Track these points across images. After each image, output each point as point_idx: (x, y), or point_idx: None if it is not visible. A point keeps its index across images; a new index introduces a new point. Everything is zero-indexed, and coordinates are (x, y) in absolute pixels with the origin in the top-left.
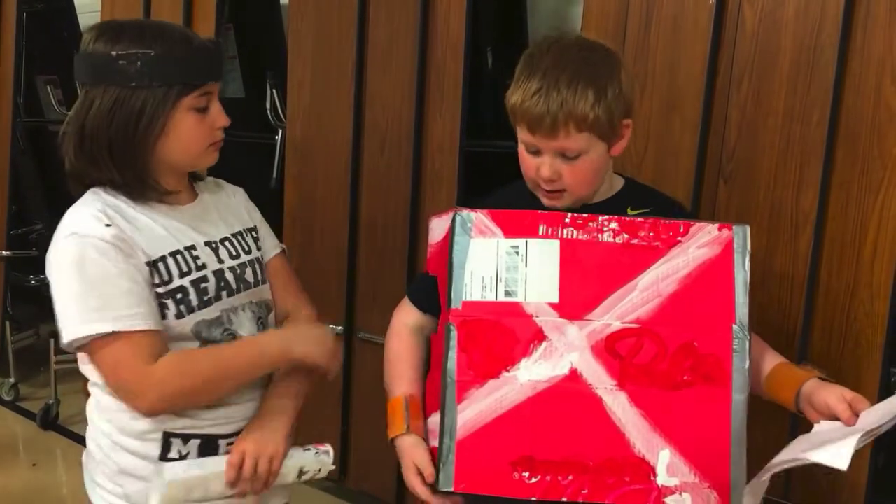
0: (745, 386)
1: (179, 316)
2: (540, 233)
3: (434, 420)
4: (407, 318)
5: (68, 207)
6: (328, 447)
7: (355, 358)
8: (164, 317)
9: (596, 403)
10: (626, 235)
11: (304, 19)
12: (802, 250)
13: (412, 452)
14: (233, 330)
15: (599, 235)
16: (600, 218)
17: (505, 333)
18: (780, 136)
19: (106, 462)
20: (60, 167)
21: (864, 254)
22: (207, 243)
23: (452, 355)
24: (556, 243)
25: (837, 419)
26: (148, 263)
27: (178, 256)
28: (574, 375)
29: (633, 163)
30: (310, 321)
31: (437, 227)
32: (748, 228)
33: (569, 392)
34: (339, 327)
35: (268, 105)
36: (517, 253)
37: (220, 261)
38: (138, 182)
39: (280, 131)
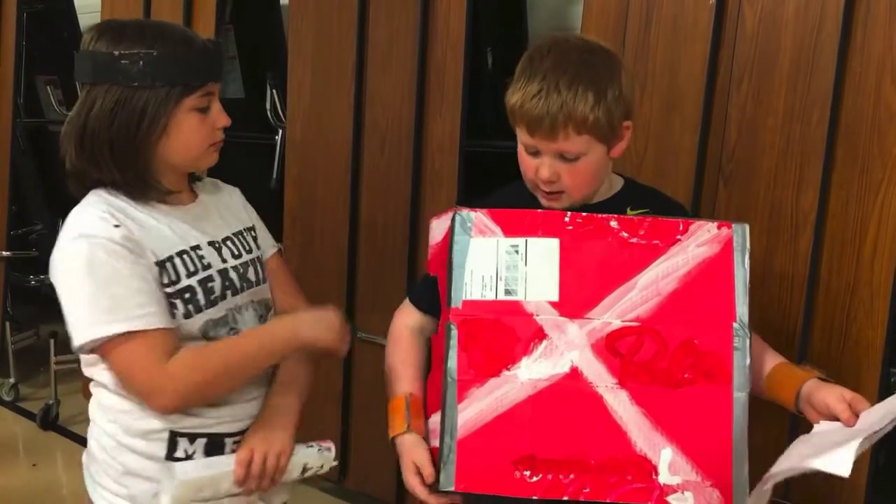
0: (745, 383)
1: (188, 315)
2: (539, 232)
3: (434, 420)
4: (407, 320)
5: (68, 208)
6: (330, 444)
7: (355, 358)
8: (172, 316)
9: (597, 402)
10: (625, 234)
11: (304, 19)
12: (802, 250)
13: (412, 452)
14: (238, 328)
15: (599, 234)
16: (600, 216)
17: (505, 332)
18: (779, 136)
19: (110, 463)
20: (60, 167)
21: (864, 253)
22: (210, 243)
23: (453, 354)
24: (555, 242)
25: (837, 419)
26: (157, 263)
27: (185, 256)
28: (575, 374)
29: (633, 163)
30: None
31: (438, 228)
32: (747, 227)
33: (570, 390)
34: None
35: (268, 105)
36: (517, 252)
37: (224, 260)
38: (140, 182)
39: (280, 131)
